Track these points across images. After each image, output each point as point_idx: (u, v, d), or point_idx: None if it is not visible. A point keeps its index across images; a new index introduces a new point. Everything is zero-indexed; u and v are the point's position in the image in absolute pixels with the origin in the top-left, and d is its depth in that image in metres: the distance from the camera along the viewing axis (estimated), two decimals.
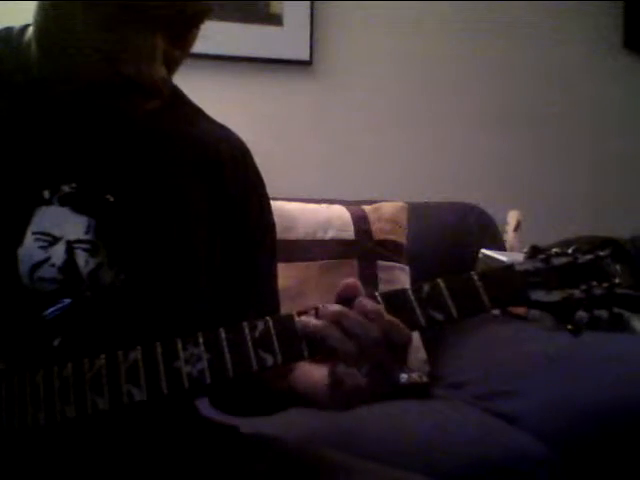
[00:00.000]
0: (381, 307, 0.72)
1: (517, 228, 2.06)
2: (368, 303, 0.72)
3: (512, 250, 1.99)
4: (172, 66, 0.81)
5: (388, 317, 0.71)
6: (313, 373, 0.80)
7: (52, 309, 0.79)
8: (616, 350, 1.48)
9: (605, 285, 0.73)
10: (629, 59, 2.45)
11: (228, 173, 0.94)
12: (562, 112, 2.40)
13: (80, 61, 0.77)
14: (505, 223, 2.09)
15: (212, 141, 0.95)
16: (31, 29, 0.84)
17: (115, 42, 0.76)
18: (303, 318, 0.72)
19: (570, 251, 0.75)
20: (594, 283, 0.73)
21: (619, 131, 2.46)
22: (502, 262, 1.66)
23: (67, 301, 0.80)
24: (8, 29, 0.89)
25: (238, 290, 0.94)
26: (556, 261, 0.74)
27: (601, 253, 0.75)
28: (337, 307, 0.72)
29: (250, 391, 0.93)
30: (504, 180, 2.34)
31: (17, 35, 0.87)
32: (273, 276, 1.02)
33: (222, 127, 0.99)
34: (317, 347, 0.71)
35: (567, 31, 2.40)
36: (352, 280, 0.74)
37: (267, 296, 0.99)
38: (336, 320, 0.71)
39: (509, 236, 2.07)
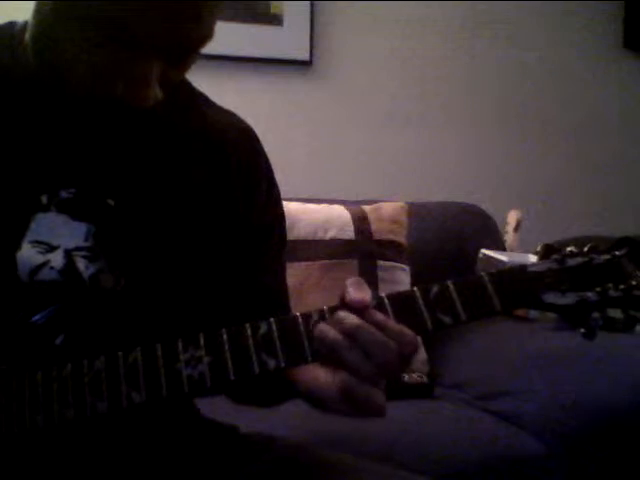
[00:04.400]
0: (391, 321, 0.70)
1: (517, 228, 2.06)
2: (379, 316, 0.69)
3: (512, 250, 1.99)
4: (168, 84, 0.79)
5: (398, 327, 0.69)
6: (317, 374, 0.76)
7: (43, 313, 0.78)
8: (616, 350, 1.48)
9: (622, 287, 0.69)
10: (629, 59, 2.45)
11: (234, 162, 0.92)
12: (562, 112, 2.40)
13: (72, 78, 0.76)
14: (505, 223, 2.09)
15: (217, 131, 0.93)
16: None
17: (108, 66, 0.74)
18: (321, 327, 0.70)
19: (585, 250, 0.71)
20: (610, 285, 0.69)
21: (619, 131, 2.46)
22: (502, 262, 1.66)
23: (59, 305, 0.79)
24: (11, 24, 0.87)
25: (244, 283, 0.92)
26: (571, 262, 0.71)
27: (618, 253, 0.70)
28: (355, 321, 0.69)
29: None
30: (504, 180, 2.34)
31: (19, 31, 0.84)
32: (281, 268, 0.99)
33: (228, 113, 0.97)
34: (323, 354, 0.70)
35: (567, 31, 2.40)
36: (356, 279, 0.71)
37: (274, 288, 0.97)
38: (353, 335, 0.69)
39: (509, 236, 2.07)
